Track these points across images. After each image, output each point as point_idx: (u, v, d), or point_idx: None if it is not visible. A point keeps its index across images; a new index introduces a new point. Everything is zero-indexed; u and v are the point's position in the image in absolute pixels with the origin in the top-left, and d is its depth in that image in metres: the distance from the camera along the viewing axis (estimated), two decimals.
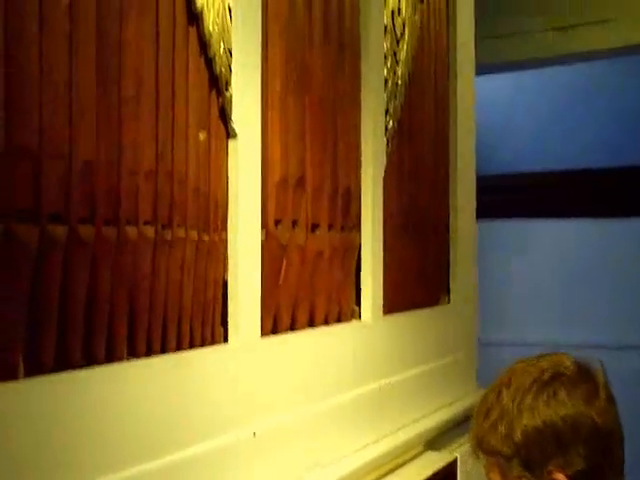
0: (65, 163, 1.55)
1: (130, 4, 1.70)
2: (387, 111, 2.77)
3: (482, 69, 4.07)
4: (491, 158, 6.23)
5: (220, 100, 1.95)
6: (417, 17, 3.03)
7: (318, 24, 2.39)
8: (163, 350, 1.81)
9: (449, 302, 3.43)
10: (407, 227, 3.01)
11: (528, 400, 1.45)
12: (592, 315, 6.11)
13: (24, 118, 1.48)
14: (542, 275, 6.38)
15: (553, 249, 6.41)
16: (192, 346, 1.89)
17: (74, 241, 1.56)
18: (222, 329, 2.00)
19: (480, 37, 3.84)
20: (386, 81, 2.76)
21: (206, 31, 1.87)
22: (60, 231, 1.53)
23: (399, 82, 2.86)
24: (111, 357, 1.67)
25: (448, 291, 3.45)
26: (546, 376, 1.47)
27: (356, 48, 2.59)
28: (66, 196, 1.55)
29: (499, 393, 1.49)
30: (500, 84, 6.56)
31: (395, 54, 2.83)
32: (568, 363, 1.50)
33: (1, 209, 1.42)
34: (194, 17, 1.85)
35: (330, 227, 2.45)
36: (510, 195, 6.68)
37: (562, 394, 1.45)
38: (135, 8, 1.71)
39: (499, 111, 6.79)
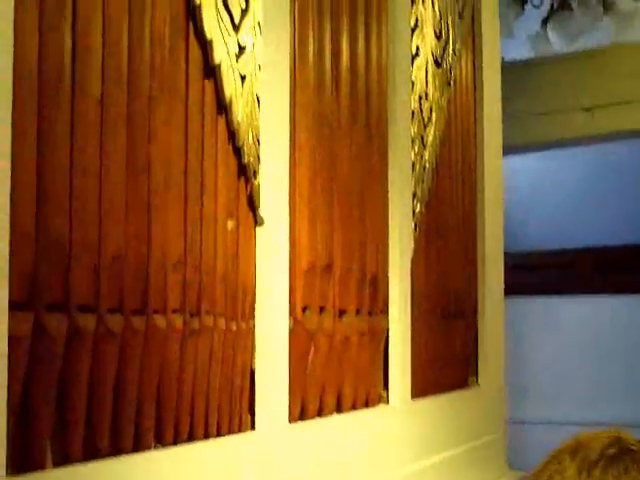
0: (94, 254, 1.57)
1: (160, 95, 1.73)
2: (414, 195, 2.79)
3: (509, 149, 4.10)
4: (518, 235, 6.23)
5: (248, 188, 1.97)
6: (444, 100, 3.06)
7: (346, 111, 2.41)
8: (190, 438, 1.80)
9: (478, 384, 3.41)
10: (435, 310, 3.00)
11: (596, 473, 1.41)
12: (621, 393, 6.05)
13: (55, 209, 1.50)
14: (570, 353, 6.34)
15: (581, 326, 6.38)
16: (220, 434, 1.89)
17: (103, 331, 1.57)
18: (249, 416, 1.99)
19: (508, 118, 3.86)
20: (413, 165, 2.78)
21: (234, 120, 1.90)
22: (89, 322, 1.54)
23: (426, 166, 2.88)
24: (138, 446, 1.66)
25: (476, 373, 3.43)
26: (612, 451, 1.43)
27: (384, 133, 2.61)
28: (95, 287, 1.56)
29: (561, 462, 1.45)
30: (526, 160, 6.59)
31: (422, 138, 2.85)
32: (632, 440, 1.46)
33: (31, 301, 1.43)
34: (223, 107, 1.88)
35: (358, 312, 2.45)
36: (538, 272, 6.66)
37: (633, 472, 1.41)
38: (165, 99, 1.74)
39: (525, 187, 6.81)
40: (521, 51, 5.62)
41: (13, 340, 1.37)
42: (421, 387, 2.81)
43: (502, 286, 3.69)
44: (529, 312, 6.28)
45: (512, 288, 3.83)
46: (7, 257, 1.36)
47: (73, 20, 1.55)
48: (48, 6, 1.49)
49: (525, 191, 6.77)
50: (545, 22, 5.64)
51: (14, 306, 1.37)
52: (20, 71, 1.41)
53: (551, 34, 5.61)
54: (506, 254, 3.79)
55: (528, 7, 5.60)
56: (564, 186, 6.88)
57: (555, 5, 5.67)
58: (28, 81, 1.45)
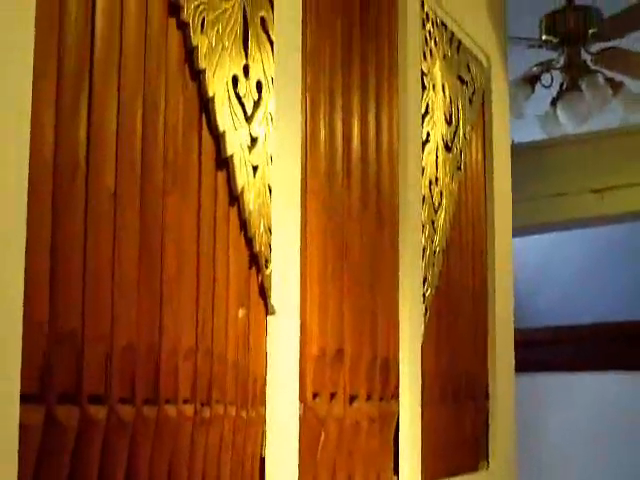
0: (106, 344, 1.58)
1: (173, 187, 1.75)
2: (425, 279, 2.80)
3: (520, 231, 4.12)
4: (528, 310, 6.23)
5: (259, 277, 1.99)
6: (455, 185, 3.08)
7: (356, 197, 2.44)
8: None
9: (488, 467, 3.39)
10: (445, 393, 3.00)
11: None
12: (635, 471, 6.00)
13: (67, 299, 1.51)
14: (583, 430, 6.30)
15: (594, 403, 6.34)
16: None
17: (114, 421, 1.58)
18: None
19: (518, 200, 3.89)
20: (424, 250, 2.80)
21: (246, 210, 1.92)
22: (100, 412, 1.55)
23: (437, 250, 2.90)
24: None
25: (487, 456, 3.41)
26: None
27: (394, 219, 2.63)
28: (107, 377, 1.57)
29: None
30: (535, 237, 6.61)
31: (433, 223, 2.87)
32: None
33: (43, 392, 1.45)
34: (235, 197, 1.90)
35: (368, 397, 2.45)
36: (548, 348, 6.65)
37: None
38: (178, 190, 1.77)
39: (534, 263, 6.83)
40: (531, 133, 5.67)
41: (24, 431, 1.37)
42: (432, 472, 2.80)
43: (512, 367, 3.68)
44: (540, 389, 6.25)
45: (522, 364, 3.83)
46: (20, 349, 1.38)
47: (88, 114, 1.58)
48: (64, 100, 1.53)
49: (534, 267, 6.78)
50: (555, 102, 5.69)
51: (26, 398, 1.38)
52: (36, 164, 1.44)
53: (561, 114, 5.66)
54: (515, 330, 3.80)
55: (538, 87, 5.65)
56: (573, 261, 6.90)
57: (564, 86, 5.73)
58: (43, 174, 1.48)
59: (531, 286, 6.62)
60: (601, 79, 5.69)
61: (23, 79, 1.42)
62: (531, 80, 5.55)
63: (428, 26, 2.88)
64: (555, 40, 5.59)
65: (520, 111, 5.35)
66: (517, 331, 3.82)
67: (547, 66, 5.64)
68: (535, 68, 5.60)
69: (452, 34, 3.08)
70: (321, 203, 2.27)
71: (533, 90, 5.53)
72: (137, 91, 1.69)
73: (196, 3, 1.79)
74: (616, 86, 5.69)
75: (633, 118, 5.44)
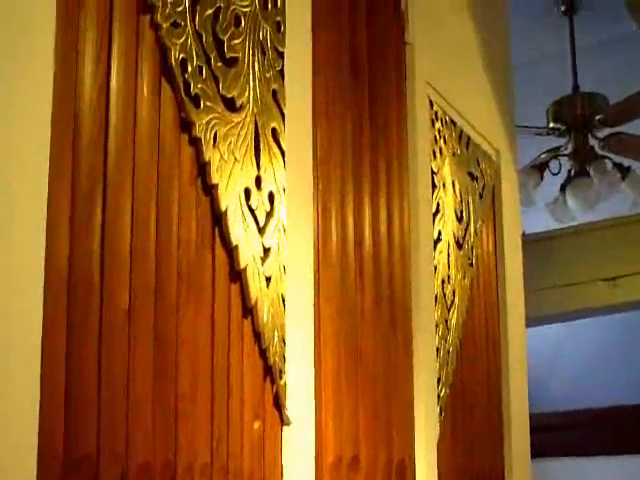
0: (122, 464, 1.57)
1: (187, 301, 1.75)
2: (439, 379, 2.78)
3: (532, 321, 4.10)
4: (541, 396, 6.19)
5: (274, 388, 1.97)
6: (467, 281, 3.08)
7: (369, 300, 2.43)
8: None
9: None
10: None
11: None
12: None
13: (83, 421, 1.50)
14: None
15: None
16: None
17: None
18: None
19: (530, 291, 3.88)
20: (438, 349, 2.79)
21: (260, 322, 1.92)
22: None
23: (450, 349, 2.88)
24: None
25: None
26: None
27: (407, 320, 2.63)
28: None
29: None
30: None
31: (446, 322, 2.86)
32: None
33: None
34: (248, 309, 1.90)
35: None
36: (562, 433, 6.60)
37: None
38: (191, 305, 1.76)
39: (547, 349, 6.80)
40: (541, 222, 5.69)
41: None
42: None
43: (528, 456, 3.64)
44: (554, 474, 6.19)
45: (536, 450, 3.79)
46: (34, 477, 1.37)
47: (102, 230, 1.59)
48: (78, 216, 1.53)
49: (547, 351, 6.76)
50: (563, 189, 5.72)
51: None
52: (50, 282, 1.44)
53: (570, 200, 5.69)
54: (530, 415, 3.77)
55: (546, 174, 5.69)
56: (586, 346, 6.87)
57: (573, 172, 5.77)
58: (58, 293, 1.48)
59: (544, 371, 6.59)
60: (609, 164, 5.74)
61: (38, 195, 1.43)
62: (540, 168, 5.60)
63: (437, 125, 2.89)
64: (562, 127, 5.64)
65: (530, 199, 5.38)
66: (530, 416, 3.78)
67: (555, 153, 5.69)
68: (543, 155, 5.64)
69: (461, 131, 3.10)
70: (334, 308, 2.26)
71: (542, 177, 5.57)
72: (150, 206, 1.70)
73: (208, 118, 1.80)
74: (624, 171, 5.73)
75: None
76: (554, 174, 5.63)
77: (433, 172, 2.83)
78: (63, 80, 1.53)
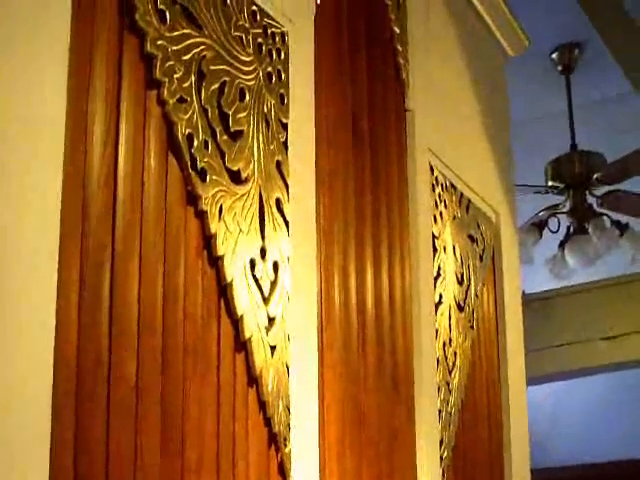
0: None
1: (193, 373, 1.77)
2: (441, 441, 2.79)
3: (532, 379, 4.11)
4: (543, 451, 6.17)
5: (279, 456, 1.98)
6: (468, 343, 3.10)
7: (372, 365, 2.45)
8: None
9: None
10: None
11: None
12: None
13: None
14: None
15: None
16: None
17: None
18: None
19: (530, 350, 3.90)
20: (440, 412, 2.80)
21: (265, 391, 1.93)
22: None
23: (452, 411, 2.89)
24: None
25: None
26: None
27: (410, 384, 2.64)
28: None
29: None
30: None
31: (448, 384, 2.88)
32: None
33: None
34: (253, 379, 1.92)
35: None
36: None
37: None
38: (197, 376, 1.78)
39: (548, 404, 6.80)
40: (541, 281, 5.72)
41: None
42: None
43: None
44: None
45: None
46: None
47: (110, 303, 1.61)
48: (86, 289, 1.56)
49: (547, 408, 6.75)
50: (562, 245, 5.76)
51: None
52: (60, 357, 1.47)
53: (569, 257, 5.72)
54: (532, 471, 3.76)
55: (545, 232, 5.73)
56: (586, 402, 6.87)
57: (571, 229, 5.81)
58: (67, 369, 1.50)
59: (544, 427, 6.58)
60: (607, 221, 5.78)
61: (48, 269, 1.46)
62: (539, 225, 5.63)
63: (438, 190, 2.93)
64: (561, 185, 5.69)
65: (529, 256, 5.41)
66: (533, 472, 3.78)
67: (554, 211, 5.73)
68: (542, 213, 5.68)
69: (461, 194, 3.13)
70: (338, 374, 2.28)
71: (541, 235, 5.61)
72: (157, 280, 1.72)
73: (213, 191, 1.83)
74: (622, 227, 5.77)
75: None
76: (553, 232, 5.68)
77: (434, 236, 2.86)
78: (72, 155, 1.56)
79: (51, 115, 1.52)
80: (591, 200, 5.80)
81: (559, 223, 5.74)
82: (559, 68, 6.19)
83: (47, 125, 1.51)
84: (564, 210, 5.76)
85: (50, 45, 1.53)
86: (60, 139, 1.53)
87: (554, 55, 6.17)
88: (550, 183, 5.72)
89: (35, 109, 1.48)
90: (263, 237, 1.97)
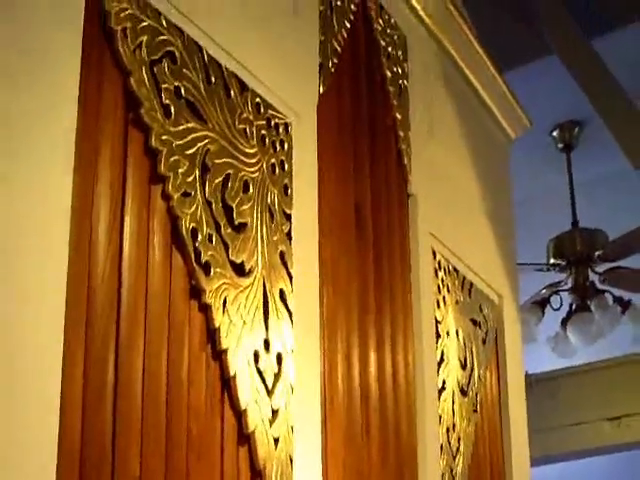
0: None
1: (196, 466, 1.76)
2: None
3: (536, 461, 4.08)
4: None
5: None
6: (471, 427, 3.07)
7: (376, 453, 2.43)
8: None
9: None
10: None
11: None
12: None
13: None
14: None
15: None
16: None
17: None
18: None
19: (533, 432, 3.87)
20: None
21: None
22: None
23: None
24: None
25: None
26: None
27: (414, 470, 2.62)
28: None
29: None
30: None
31: (451, 470, 2.85)
32: None
33: None
34: (257, 472, 1.90)
35: None
36: None
37: None
38: (201, 469, 1.77)
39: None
40: (544, 360, 5.71)
41: None
42: None
43: None
44: None
45: None
46: None
47: (114, 396, 1.61)
48: (90, 382, 1.56)
49: None
50: (565, 323, 5.75)
51: None
52: (64, 452, 1.46)
53: (571, 335, 5.71)
54: None
55: (548, 310, 5.72)
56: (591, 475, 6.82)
57: (574, 306, 5.80)
58: (71, 465, 1.50)
59: None
60: (610, 299, 5.78)
61: (52, 366, 1.46)
62: (541, 303, 5.63)
63: (441, 274, 2.93)
64: (563, 263, 5.69)
65: (531, 335, 5.40)
66: None
67: (556, 288, 5.73)
68: (544, 291, 5.68)
69: (464, 278, 3.13)
70: (341, 463, 2.26)
71: (543, 313, 5.60)
72: (161, 373, 1.72)
73: (217, 284, 1.83)
74: (625, 305, 5.76)
75: None
76: (555, 309, 5.67)
77: (437, 321, 2.86)
78: (77, 250, 1.57)
79: (56, 208, 1.53)
80: (593, 277, 5.80)
81: (561, 300, 5.74)
82: (560, 146, 6.24)
83: (53, 218, 1.52)
84: (566, 287, 5.76)
85: (56, 139, 1.54)
86: (65, 232, 1.54)
87: (554, 133, 6.21)
88: (552, 260, 5.73)
89: (40, 203, 1.49)
90: (267, 328, 1.97)
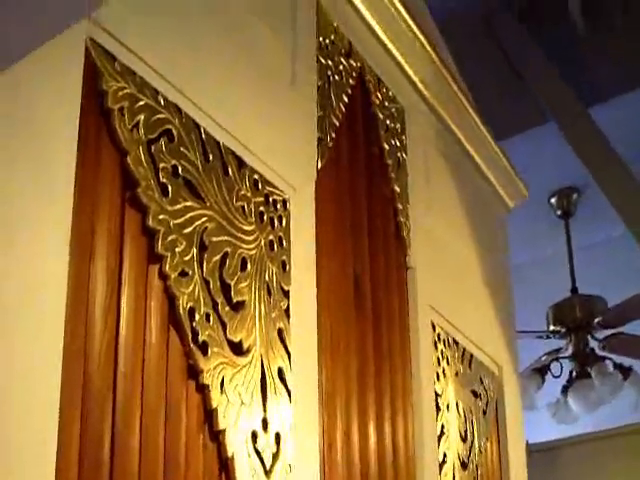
0: None
1: None
2: None
3: None
4: None
5: None
6: None
7: None
8: None
9: None
10: None
11: None
12: None
13: None
14: None
15: None
16: None
17: None
18: None
19: None
20: None
21: None
22: None
23: None
24: None
25: None
26: None
27: None
28: None
29: None
30: None
31: None
32: None
33: None
34: None
35: None
36: None
37: None
38: None
39: None
40: (545, 428, 5.67)
41: None
42: None
43: None
44: None
45: None
46: None
47: (110, 476, 1.59)
48: (86, 463, 1.54)
49: None
50: (565, 390, 5.71)
51: None
52: None
53: (572, 402, 5.67)
54: None
55: (548, 377, 5.69)
56: None
57: (574, 373, 5.77)
58: None
59: None
60: (610, 365, 5.75)
61: (46, 454, 1.44)
62: (541, 371, 5.60)
63: (440, 347, 2.91)
64: (562, 330, 5.67)
65: (531, 403, 5.36)
66: None
67: (555, 355, 5.71)
68: (544, 358, 5.66)
69: (464, 349, 3.12)
70: None
71: (543, 380, 5.57)
72: (157, 454, 1.70)
73: (215, 364, 1.81)
74: (626, 371, 5.73)
75: None
76: (555, 377, 5.64)
77: (437, 394, 2.84)
78: (73, 327, 1.56)
79: (52, 289, 1.51)
80: (593, 344, 5.77)
81: (561, 367, 5.70)
82: (558, 212, 6.24)
83: (48, 298, 1.50)
84: (566, 354, 5.74)
85: (52, 218, 1.54)
86: (60, 313, 1.53)
87: (552, 200, 6.22)
88: (551, 327, 5.71)
89: (35, 283, 1.48)
90: (265, 408, 1.94)
